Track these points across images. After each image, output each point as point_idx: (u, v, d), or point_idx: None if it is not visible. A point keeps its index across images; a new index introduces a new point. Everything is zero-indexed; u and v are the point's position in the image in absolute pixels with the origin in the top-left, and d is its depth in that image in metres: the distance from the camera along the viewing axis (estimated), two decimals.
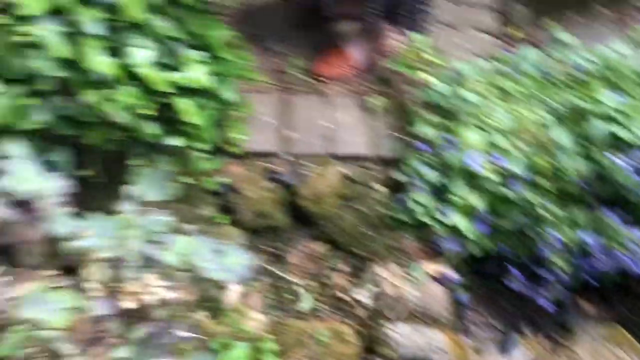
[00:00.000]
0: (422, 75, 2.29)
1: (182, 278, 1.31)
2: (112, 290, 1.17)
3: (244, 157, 2.11)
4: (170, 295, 1.26)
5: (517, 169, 1.99)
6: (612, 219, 1.92)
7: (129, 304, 1.21)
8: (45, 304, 0.92)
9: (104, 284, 1.14)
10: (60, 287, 1.05)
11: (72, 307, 0.95)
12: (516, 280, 2.01)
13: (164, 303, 1.25)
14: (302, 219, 2.13)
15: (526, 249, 2.02)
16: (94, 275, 1.14)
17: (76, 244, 1.03)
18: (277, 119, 2.24)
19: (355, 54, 2.39)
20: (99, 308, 1.08)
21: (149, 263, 1.22)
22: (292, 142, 2.19)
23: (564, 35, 2.43)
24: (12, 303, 0.98)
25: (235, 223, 2.05)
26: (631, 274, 1.95)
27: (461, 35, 2.68)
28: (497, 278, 2.11)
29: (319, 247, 2.11)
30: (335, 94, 2.36)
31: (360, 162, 2.19)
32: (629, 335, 1.94)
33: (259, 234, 2.11)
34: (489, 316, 2.16)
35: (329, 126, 2.24)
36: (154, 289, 1.24)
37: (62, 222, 1.05)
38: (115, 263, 1.15)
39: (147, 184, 1.19)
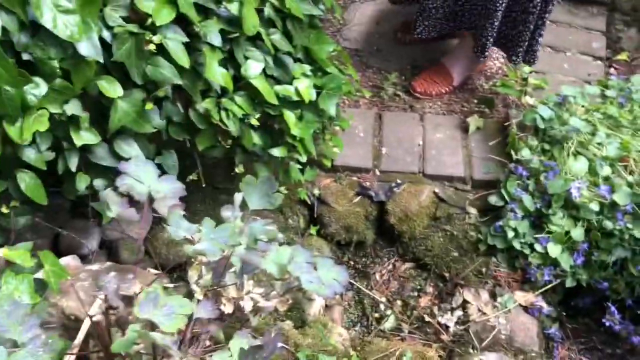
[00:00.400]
0: (525, 98, 2.23)
1: (277, 287, 1.33)
2: (214, 294, 1.21)
3: (336, 170, 2.12)
4: (266, 303, 1.28)
5: (622, 200, 1.89)
6: None
7: (227, 308, 1.24)
8: (160, 306, 0.95)
9: (207, 288, 1.18)
10: (168, 288, 1.09)
11: (185, 312, 0.98)
12: (612, 318, 1.90)
13: (259, 310, 1.27)
14: (390, 236, 2.11)
15: (627, 285, 1.91)
16: (199, 278, 1.18)
17: (190, 247, 1.07)
18: (371, 135, 2.24)
19: (455, 72, 2.35)
20: (202, 311, 1.12)
21: (249, 270, 1.25)
22: (385, 159, 2.18)
23: None
24: (127, 301, 1.03)
25: (322, 235, 2.07)
26: None
27: (567, 58, 2.59)
28: (590, 313, 2.01)
29: (405, 267, 2.09)
30: (431, 112, 2.34)
31: (453, 183, 2.15)
32: None
33: (345, 247, 2.12)
34: (580, 353, 2.05)
35: (423, 144, 2.22)
36: (252, 296, 1.26)
37: (177, 224, 1.09)
38: (219, 268, 1.19)
39: (254, 193, 1.22)
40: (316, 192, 2.02)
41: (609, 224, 1.89)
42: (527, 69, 2.29)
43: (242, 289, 1.26)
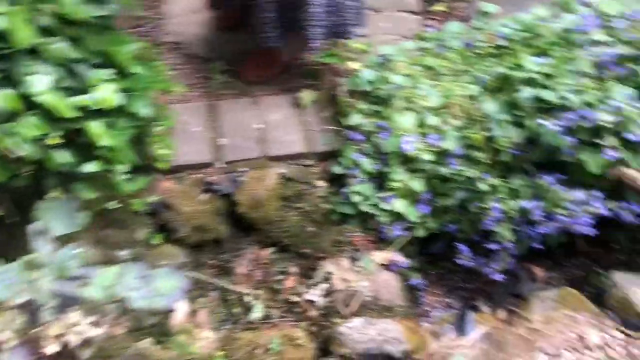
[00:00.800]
0: (350, 64, 2.26)
1: (110, 311, 1.24)
2: (31, 337, 1.10)
3: (175, 171, 2.04)
4: (97, 331, 1.20)
5: (451, 145, 1.98)
6: (549, 183, 1.92)
7: (52, 347, 1.14)
8: None
9: (19, 332, 1.07)
10: None
11: None
12: (465, 256, 2.00)
13: (89, 342, 1.18)
14: (245, 226, 2.07)
15: (470, 223, 2.02)
16: (7, 324, 1.07)
17: None
18: (206, 128, 2.17)
19: (282, 51, 2.32)
20: (15, 358, 1.01)
21: (68, 301, 1.15)
22: (225, 149, 2.13)
23: (487, 6, 2.42)
24: None
25: (174, 241, 1.99)
26: (575, 233, 1.96)
27: (386, 18, 2.65)
28: (447, 256, 2.10)
29: (266, 253, 2.07)
30: (265, 94, 2.31)
31: (297, 161, 2.14)
32: (580, 295, 1.96)
33: (202, 248, 2.05)
34: (444, 296, 2.15)
35: (262, 128, 2.19)
36: (78, 328, 1.17)
37: None
38: (29, 308, 1.08)
39: (53, 218, 1.12)
40: (154, 198, 1.93)
41: (443, 170, 1.98)
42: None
43: (65, 323, 1.17)
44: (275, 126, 2.19)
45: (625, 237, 2.27)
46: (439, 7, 2.88)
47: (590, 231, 1.92)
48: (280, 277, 2.01)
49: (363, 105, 2.11)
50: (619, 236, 2.25)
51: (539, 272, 2.20)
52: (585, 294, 2.07)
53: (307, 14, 2.04)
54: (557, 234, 1.99)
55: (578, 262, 2.28)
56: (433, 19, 2.82)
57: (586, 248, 2.27)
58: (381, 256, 2.00)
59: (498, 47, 2.24)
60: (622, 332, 1.81)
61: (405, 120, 2.03)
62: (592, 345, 1.77)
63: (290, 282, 1.99)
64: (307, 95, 2.24)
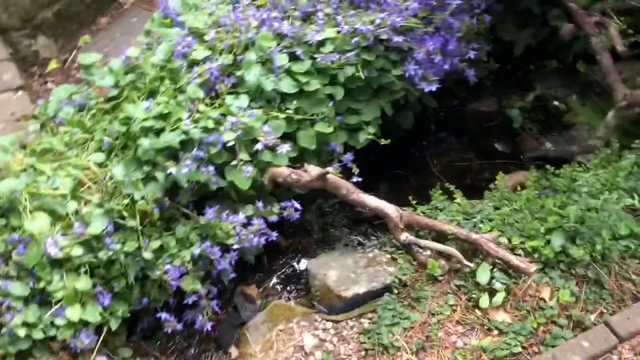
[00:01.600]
0: None
1: None
2: None
3: None
4: None
5: (99, 227, 1.80)
6: (210, 219, 1.87)
7: None
8: None
9: None
10: None
11: None
12: (168, 323, 1.87)
13: None
14: None
15: (159, 290, 1.90)
16: None
17: None
18: None
19: None
20: None
21: None
22: None
23: (88, 57, 2.22)
24: None
25: None
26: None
27: None
28: (154, 332, 1.97)
29: None
30: None
31: None
32: (286, 303, 1.99)
33: None
34: None
35: None
36: None
37: None
38: None
39: None
40: None
41: (103, 255, 1.79)
42: None
43: None
44: None
45: (314, 215, 2.39)
46: (53, 66, 2.64)
47: (270, 237, 1.94)
48: None
49: None
50: (310, 216, 2.37)
51: (252, 291, 2.19)
52: (298, 289, 2.14)
53: None
54: (249, 250, 1.97)
55: (285, 258, 2.33)
56: (49, 82, 2.58)
57: (286, 242, 2.33)
58: None
59: (110, 99, 2.09)
60: (330, 320, 1.87)
61: (38, 223, 1.79)
62: (310, 349, 1.80)
63: None
64: None
